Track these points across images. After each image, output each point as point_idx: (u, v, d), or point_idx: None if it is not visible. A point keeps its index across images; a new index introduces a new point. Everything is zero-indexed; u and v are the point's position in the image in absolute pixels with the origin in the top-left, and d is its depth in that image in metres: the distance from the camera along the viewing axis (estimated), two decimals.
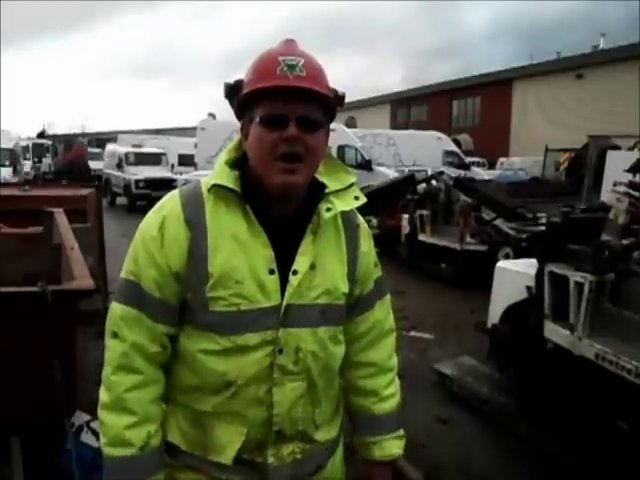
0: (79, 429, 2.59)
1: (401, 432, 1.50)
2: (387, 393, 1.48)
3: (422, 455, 3.46)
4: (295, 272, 1.26)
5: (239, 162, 1.31)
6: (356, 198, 1.35)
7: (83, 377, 2.98)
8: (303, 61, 1.21)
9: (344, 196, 1.33)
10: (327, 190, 1.32)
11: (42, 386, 2.42)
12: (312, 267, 1.28)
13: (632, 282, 3.36)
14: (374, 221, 10.11)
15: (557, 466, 3.43)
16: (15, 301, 2.44)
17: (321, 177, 1.33)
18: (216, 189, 1.25)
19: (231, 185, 1.24)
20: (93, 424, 2.62)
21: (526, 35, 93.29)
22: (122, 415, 1.25)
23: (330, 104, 1.27)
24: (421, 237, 8.95)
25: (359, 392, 1.49)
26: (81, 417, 2.66)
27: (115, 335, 1.27)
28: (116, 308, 1.28)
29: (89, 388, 3.13)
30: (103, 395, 1.29)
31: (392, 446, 1.47)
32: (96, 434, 2.57)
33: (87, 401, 2.89)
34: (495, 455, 3.63)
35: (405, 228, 9.31)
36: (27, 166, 23.15)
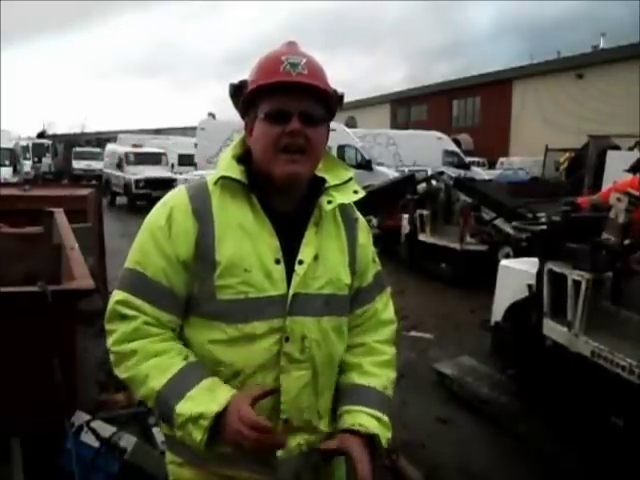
0: (79, 429, 2.58)
1: (384, 417, 1.37)
2: (373, 370, 1.41)
3: (422, 455, 3.46)
4: (301, 262, 1.30)
5: (244, 158, 1.35)
6: (355, 192, 1.40)
7: (83, 377, 2.98)
8: (305, 60, 1.27)
9: (343, 190, 1.38)
10: (327, 184, 1.37)
11: (42, 386, 2.42)
12: (315, 258, 1.32)
13: (630, 281, 3.37)
14: (374, 221, 10.11)
15: (557, 466, 3.43)
16: (15, 301, 2.44)
17: (320, 173, 1.38)
18: (223, 181, 1.30)
19: (238, 177, 1.29)
20: (93, 424, 2.63)
21: (531, 35, 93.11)
22: (151, 358, 1.24)
23: (330, 101, 1.32)
24: (421, 237, 8.96)
25: (344, 368, 1.43)
26: (81, 417, 2.65)
27: (124, 317, 1.26)
28: (120, 295, 1.28)
29: (89, 388, 3.15)
30: (122, 366, 1.26)
31: (363, 418, 1.33)
32: (96, 434, 2.58)
33: (87, 401, 2.90)
34: (495, 455, 3.64)
35: (405, 228, 9.32)
36: (27, 166, 23.17)
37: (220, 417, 1.18)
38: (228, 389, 1.23)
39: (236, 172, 1.29)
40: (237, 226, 1.27)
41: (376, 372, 1.42)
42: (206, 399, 1.20)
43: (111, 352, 1.28)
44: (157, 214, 1.31)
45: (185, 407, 1.19)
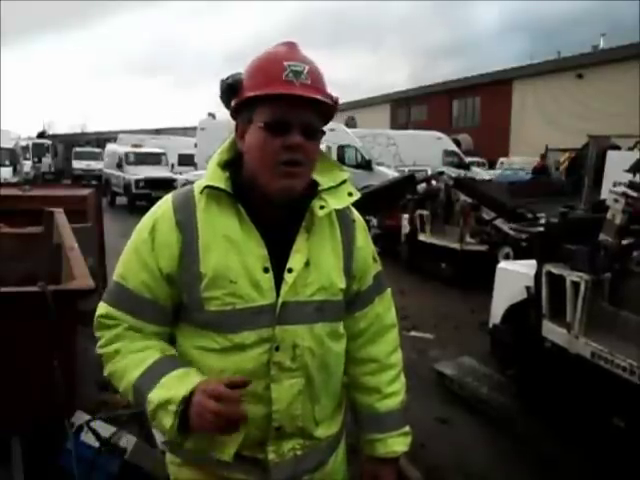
0: (79, 429, 2.58)
1: (407, 429, 1.49)
2: (390, 390, 1.48)
3: (422, 455, 3.46)
4: (290, 270, 1.27)
5: (232, 162, 1.32)
6: (350, 194, 1.36)
7: (83, 377, 2.98)
8: (308, 68, 1.23)
9: (337, 193, 1.34)
10: (320, 188, 1.33)
11: (42, 386, 2.42)
12: (307, 264, 1.29)
13: (629, 282, 3.38)
14: (374, 221, 10.12)
15: (557, 466, 3.43)
16: (15, 301, 2.44)
17: (314, 174, 1.35)
18: (208, 190, 1.27)
19: (222, 186, 1.26)
20: (93, 424, 2.63)
21: (531, 35, 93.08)
22: (130, 354, 1.26)
23: (329, 110, 1.30)
24: (421, 237, 8.95)
25: (362, 389, 1.49)
26: (81, 417, 2.65)
27: (108, 327, 1.29)
28: (104, 309, 1.31)
29: (89, 388, 3.14)
30: (108, 365, 1.30)
31: (397, 443, 1.46)
32: (96, 434, 2.58)
33: (87, 401, 2.90)
34: (495, 455, 3.64)
35: (405, 228, 9.32)
36: (27, 166, 23.13)
37: (189, 403, 1.17)
38: (200, 375, 1.22)
39: (220, 180, 1.27)
40: (222, 237, 1.25)
41: (393, 390, 1.48)
42: (176, 385, 1.19)
43: (100, 354, 1.32)
44: (142, 226, 1.31)
45: (155, 394, 1.20)
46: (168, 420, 1.17)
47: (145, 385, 1.22)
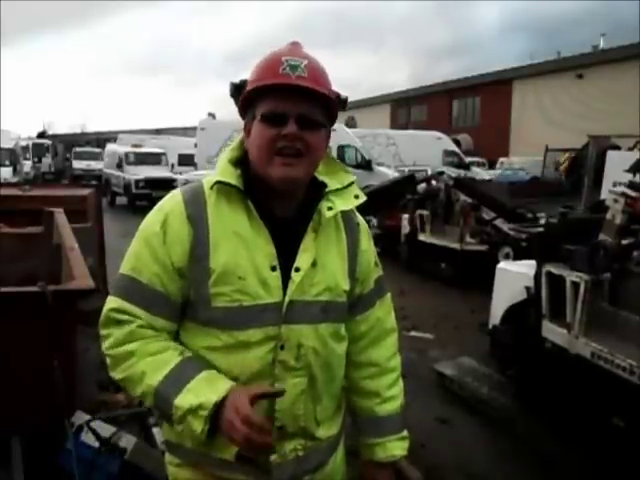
0: (79, 429, 2.58)
1: (404, 433, 1.50)
2: (389, 394, 1.48)
3: (422, 455, 3.46)
4: (297, 269, 1.28)
5: (241, 161, 1.33)
6: (356, 197, 1.37)
7: (83, 377, 2.98)
8: (306, 62, 1.24)
9: (344, 195, 1.35)
10: (327, 189, 1.34)
11: (42, 386, 2.42)
12: (313, 264, 1.30)
13: (629, 282, 3.38)
14: (374, 221, 10.12)
15: (557, 466, 3.43)
16: (15, 301, 2.44)
17: (321, 177, 1.36)
18: (219, 186, 1.27)
19: (233, 182, 1.26)
20: (93, 424, 2.63)
21: (536, 34, 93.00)
22: (147, 357, 1.23)
23: (331, 105, 1.29)
24: (421, 237, 8.96)
25: (361, 393, 1.49)
26: (81, 417, 2.65)
27: (118, 322, 1.26)
28: (114, 302, 1.27)
29: (89, 388, 3.15)
30: (119, 367, 1.25)
31: (395, 447, 1.47)
32: (96, 434, 2.58)
33: (87, 401, 2.90)
34: (495, 455, 3.64)
35: (405, 228, 9.32)
36: (27, 166, 23.13)
37: (219, 407, 1.17)
38: (227, 380, 1.22)
39: (232, 177, 1.27)
40: (232, 233, 1.26)
41: (392, 394, 1.49)
42: (205, 390, 1.19)
43: (107, 356, 1.28)
44: (152, 220, 1.30)
45: (184, 400, 1.18)
46: (198, 425, 1.17)
47: (169, 390, 1.20)
